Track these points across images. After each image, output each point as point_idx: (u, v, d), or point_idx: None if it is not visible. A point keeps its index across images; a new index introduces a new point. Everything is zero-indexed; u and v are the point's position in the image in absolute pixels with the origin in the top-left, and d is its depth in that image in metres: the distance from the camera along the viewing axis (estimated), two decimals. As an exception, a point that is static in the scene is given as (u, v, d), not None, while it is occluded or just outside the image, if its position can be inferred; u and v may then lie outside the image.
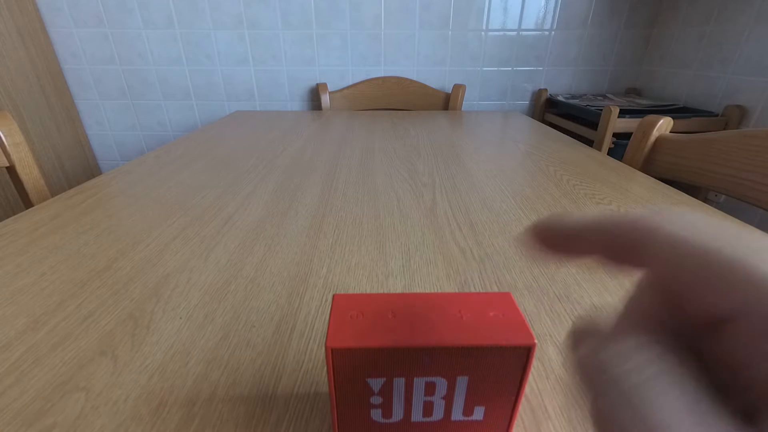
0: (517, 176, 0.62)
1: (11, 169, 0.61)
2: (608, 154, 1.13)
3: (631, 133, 0.73)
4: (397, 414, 0.18)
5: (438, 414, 0.18)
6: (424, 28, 1.48)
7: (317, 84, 1.51)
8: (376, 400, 0.17)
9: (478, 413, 0.18)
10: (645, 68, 1.56)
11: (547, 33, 1.50)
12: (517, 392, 0.17)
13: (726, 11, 1.23)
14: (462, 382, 0.17)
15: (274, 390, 0.24)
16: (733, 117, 1.19)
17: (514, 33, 1.49)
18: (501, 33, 1.49)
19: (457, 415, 0.18)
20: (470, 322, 0.16)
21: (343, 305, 0.18)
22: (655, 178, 0.63)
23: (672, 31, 1.43)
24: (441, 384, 0.17)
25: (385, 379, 0.16)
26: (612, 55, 1.55)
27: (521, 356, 0.16)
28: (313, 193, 0.55)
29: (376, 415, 0.18)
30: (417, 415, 0.18)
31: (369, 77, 1.53)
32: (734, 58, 1.21)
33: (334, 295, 0.18)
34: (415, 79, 1.53)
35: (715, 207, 0.49)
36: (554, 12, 1.47)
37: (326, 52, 1.50)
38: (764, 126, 1.13)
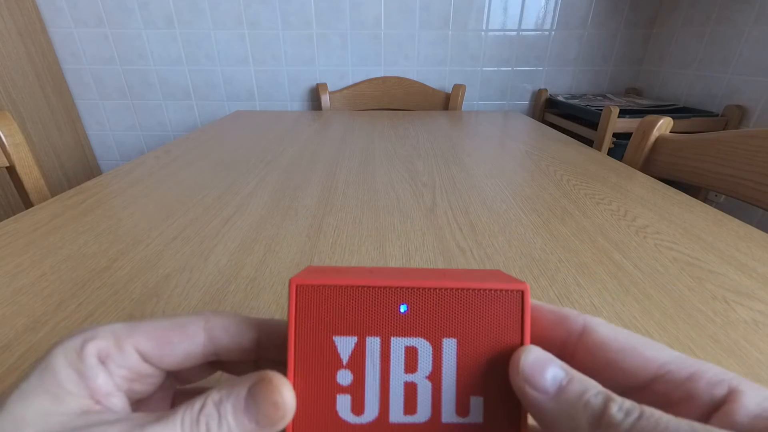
0: (517, 176, 0.62)
1: (11, 169, 0.61)
2: (608, 154, 1.13)
3: (631, 133, 0.73)
4: (371, 407, 0.15)
5: (424, 411, 0.15)
6: (424, 28, 1.48)
7: (317, 84, 1.51)
8: (344, 377, 0.14)
9: (476, 410, 0.15)
10: (645, 68, 1.56)
11: (547, 33, 1.50)
12: None
13: (726, 11, 1.23)
14: (449, 346, 0.14)
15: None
16: (733, 117, 1.19)
17: (514, 33, 1.49)
18: (501, 33, 1.49)
19: (449, 413, 0.15)
20: (454, 278, 0.15)
21: (313, 269, 0.17)
22: (655, 178, 0.63)
23: (672, 31, 1.43)
24: (424, 350, 0.14)
25: (356, 338, 0.14)
26: (612, 55, 1.55)
27: (514, 304, 0.14)
28: (313, 193, 0.55)
29: (344, 406, 0.14)
30: (397, 412, 0.15)
31: (369, 77, 1.53)
32: (734, 58, 1.21)
33: (307, 268, 0.17)
34: (415, 79, 1.53)
35: (715, 207, 0.49)
36: (554, 12, 1.47)
37: (326, 52, 1.51)
38: (764, 126, 1.13)
